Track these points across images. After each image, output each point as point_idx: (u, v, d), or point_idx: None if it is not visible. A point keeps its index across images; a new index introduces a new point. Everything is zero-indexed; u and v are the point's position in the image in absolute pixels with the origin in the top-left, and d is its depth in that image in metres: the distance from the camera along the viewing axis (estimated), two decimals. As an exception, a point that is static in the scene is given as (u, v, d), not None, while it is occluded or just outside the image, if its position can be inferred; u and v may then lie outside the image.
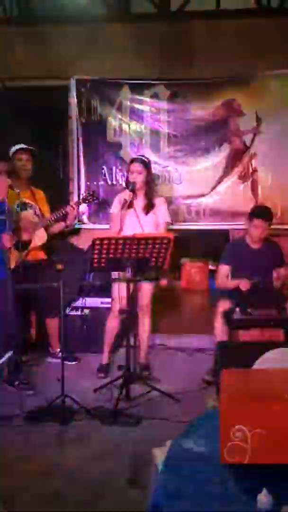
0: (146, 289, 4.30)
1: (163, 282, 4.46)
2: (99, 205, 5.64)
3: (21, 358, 4.03)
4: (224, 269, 4.34)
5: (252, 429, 1.42)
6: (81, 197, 5.00)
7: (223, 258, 4.40)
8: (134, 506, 2.55)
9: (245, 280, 4.11)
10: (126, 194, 4.17)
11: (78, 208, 4.68)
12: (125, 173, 4.38)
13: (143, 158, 4.35)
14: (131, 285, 3.91)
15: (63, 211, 4.47)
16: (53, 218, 4.45)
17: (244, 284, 4.09)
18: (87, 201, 4.75)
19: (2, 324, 4.04)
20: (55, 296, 3.66)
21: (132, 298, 3.85)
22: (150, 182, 4.34)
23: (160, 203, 4.33)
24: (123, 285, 3.96)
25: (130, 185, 4.19)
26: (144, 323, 4.36)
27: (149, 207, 4.24)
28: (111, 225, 4.32)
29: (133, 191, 4.17)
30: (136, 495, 2.62)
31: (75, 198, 5.73)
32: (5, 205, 4.06)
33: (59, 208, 4.51)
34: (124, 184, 4.80)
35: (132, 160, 4.34)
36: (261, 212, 4.26)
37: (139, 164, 4.22)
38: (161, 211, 4.30)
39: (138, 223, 4.14)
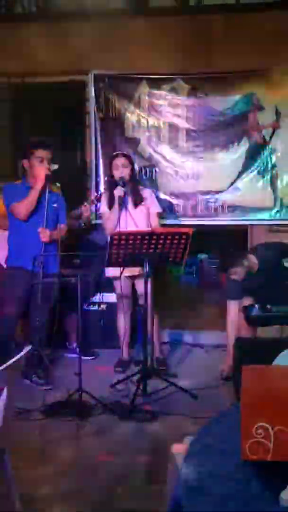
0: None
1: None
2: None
3: (43, 352, 4.05)
4: None
5: (275, 426, 1.40)
6: (96, 195, 5.01)
7: None
8: (151, 502, 2.54)
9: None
10: (119, 191, 4.17)
11: (91, 207, 4.67)
12: (109, 170, 4.40)
13: (125, 152, 4.43)
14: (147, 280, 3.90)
15: (78, 211, 4.49)
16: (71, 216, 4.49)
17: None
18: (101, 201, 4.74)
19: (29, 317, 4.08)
20: (73, 292, 3.67)
21: (147, 294, 3.82)
22: (135, 176, 4.45)
23: (148, 194, 4.39)
24: (125, 281, 3.98)
25: (120, 181, 4.19)
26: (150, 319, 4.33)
27: (138, 200, 4.27)
28: (107, 225, 4.30)
29: (124, 186, 4.17)
30: (153, 491, 2.62)
31: (93, 194, 5.73)
32: (57, 194, 4.10)
33: (75, 204, 4.52)
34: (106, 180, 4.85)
35: (115, 156, 4.34)
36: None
37: (124, 158, 4.28)
38: (150, 202, 4.34)
39: (130, 218, 4.15)
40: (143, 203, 4.30)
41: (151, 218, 4.33)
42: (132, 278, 4.26)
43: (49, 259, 3.97)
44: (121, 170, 4.23)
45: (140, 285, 4.20)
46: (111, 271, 4.19)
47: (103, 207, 4.34)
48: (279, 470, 1.34)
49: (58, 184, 4.12)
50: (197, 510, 1.24)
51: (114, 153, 4.43)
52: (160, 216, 4.51)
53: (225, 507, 1.24)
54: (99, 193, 4.92)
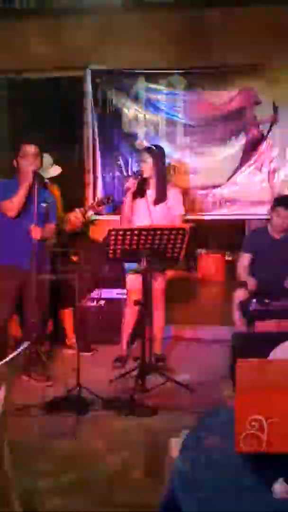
0: (157, 280, 4.27)
1: (169, 273, 4.39)
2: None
3: (40, 348, 4.05)
4: (245, 258, 4.32)
5: (269, 418, 1.41)
6: (95, 200, 4.96)
7: (244, 247, 4.37)
8: (149, 496, 2.55)
9: (254, 281, 4.09)
10: (129, 183, 4.18)
11: (87, 213, 4.62)
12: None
13: (151, 146, 4.35)
14: (146, 276, 3.89)
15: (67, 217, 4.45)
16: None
17: (251, 285, 4.08)
18: (100, 205, 4.64)
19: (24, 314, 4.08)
20: (71, 288, 3.68)
21: (147, 289, 3.83)
22: (160, 172, 4.22)
23: (174, 194, 4.26)
24: (138, 277, 3.95)
25: (136, 174, 4.20)
26: (157, 315, 4.32)
27: (159, 197, 4.18)
28: (121, 214, 4.32)
29: (137, 179, 4.15)
30: (152, 486, 2.63)
31: (91, 191, 5.74)
32: (46, 192, 4.08)
33: (73, 200, 4.52)
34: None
35: (141, 150, 4.35)
36: (285, 201, 4.22)
37: (146, 152, 4.22)
38: (174, 203, 4.23)
39: (147, 214, 4.11)
40: (165, 202, 4.19)
41: (174, 220, 4.20)
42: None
43: (41, 256, 3.95)
44: (142, 164, 4.20)
45: (154, 282, 4.22)
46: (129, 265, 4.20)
47: (125, 199, 4.30)
48: (272, 462, 1.35)
49: (46, 180, 4.08)
50: (191, 502, 1.25)
51: (143, 147, 4.46)
52: (183, 218, 4.33)
53: (219, 499, 1.25)
54: (98, 199, 4.90)
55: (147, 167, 4.16)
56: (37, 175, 3.86)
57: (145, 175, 4.16)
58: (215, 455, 1.42)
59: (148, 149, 4.27)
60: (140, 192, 4.16)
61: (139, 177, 4.16)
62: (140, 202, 4.17)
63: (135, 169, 4.27)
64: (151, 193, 4.20)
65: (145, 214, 4.11)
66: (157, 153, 4.23)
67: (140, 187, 4.17)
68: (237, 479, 1.33)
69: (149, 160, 4.16)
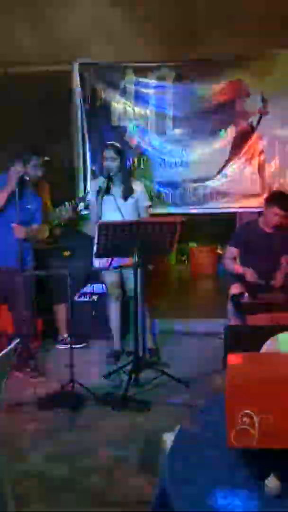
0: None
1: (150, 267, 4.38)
2: None
3: (31, 344, 4.05)
4: (231, 251, 4.31)
5: (260, 413, 1.40)
6: (85, 194, 4.94)
7: (233, 240, 4.36)
8: (143, 492, 2.55)
9: (252, 271, 4.08)
10: (100, 181, 4.20)
11: (76, 207, 4.60)
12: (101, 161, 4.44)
13: (116, 144, 4.37)
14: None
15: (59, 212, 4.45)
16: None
17: (250, 276, 4.07)
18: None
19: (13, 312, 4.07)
20: (63, 283, 3.67)
21: (136, 284, 3.82)
22: (126, 168, 4.34)
23: (138, 187, 4.33)
24: (115, 271, 3.98)
25: (105, 172, 4.20)
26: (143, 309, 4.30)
27: (127, 192, 4.23)
28: (91, 213, 4.39)
29: (108, 177, 4.17)
30: (145, 482, 2.63)
31: (81, 185, 5.72)
32: (32, 194, 4.06)
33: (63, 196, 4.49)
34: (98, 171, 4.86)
35: (106, 147, 4.34)
36: (280, 200, 4.16)
37: (113, 150, 4.23)
38: (140, 196, 4.30)
39: (117, 210, 4.12)
40: (133, 195, 4.25)
41: (141, 212, 4.29)
42: (121, 268, 4.24)
43: (26, 254, 3.97)
44: (109, 162, 4.20)
45: (129, 276, 4.19)
46: (99, 262, 4.19)
47: (92, 195, 4.32)
48: (264, 457, 1.35)
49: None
50: (182, 499, 1.25)
51: (106, 144, 4.43)
52: (149, 209, 4.42)
53: (210, 496, 1.25)
54: (87, 192, 4.89)
55: (114, 164, 4.19)
56: (24, 180, 3.88)
57: (112, 172, 4.18)
58: (207, 451, 1.42)
59: (114, 147, 4.28)
60: (107, 189, 4.17)
61: (107, 174, 4.17)
62: (108, 198, 4.17)
63: (104, 166, 4.22)
64: (117, 189, 4.22)
65: (114, 209, 4.12)
66: (122, 150, 4.32)
67: (107, 184, 4.19)
68: (229, 474, 1.33)
69: (115, 156, 4.19)
